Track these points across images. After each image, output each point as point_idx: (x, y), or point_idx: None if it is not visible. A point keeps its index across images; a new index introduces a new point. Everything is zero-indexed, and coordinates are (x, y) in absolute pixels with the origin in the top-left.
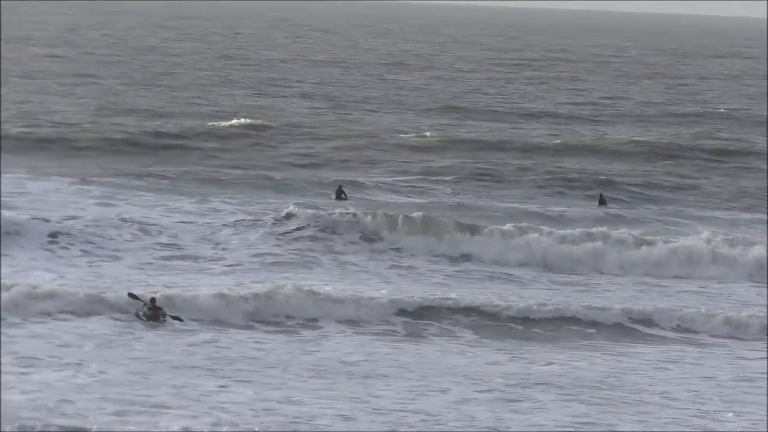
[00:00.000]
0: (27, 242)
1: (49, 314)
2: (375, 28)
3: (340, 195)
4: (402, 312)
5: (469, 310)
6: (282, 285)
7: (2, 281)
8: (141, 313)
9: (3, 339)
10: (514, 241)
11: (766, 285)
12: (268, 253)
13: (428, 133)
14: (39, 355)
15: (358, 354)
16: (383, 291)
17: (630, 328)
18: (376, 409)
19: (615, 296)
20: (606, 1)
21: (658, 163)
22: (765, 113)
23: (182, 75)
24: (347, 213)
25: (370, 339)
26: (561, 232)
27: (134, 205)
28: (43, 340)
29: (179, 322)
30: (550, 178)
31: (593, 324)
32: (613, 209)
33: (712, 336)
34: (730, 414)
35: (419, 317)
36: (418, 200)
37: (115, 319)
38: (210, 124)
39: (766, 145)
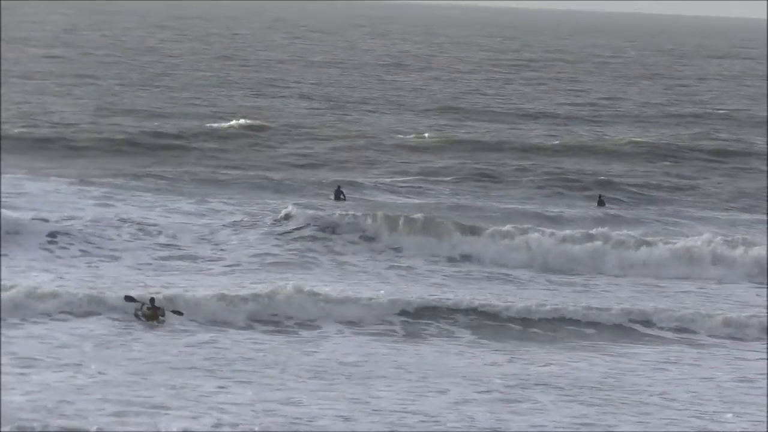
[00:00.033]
0: (26, 242)
1: (48, 315)
2: (373, 28)
3: (338, 195)
4: (401, 312)
5: (468, 311)
6: (281, 285)
7: (1, 282)
8: (140, 313)
9: (2, 339)
10: (514, 241)
11: (765, 286)
12: (267, 254)
13: (427, 135)
14: (38, 356)
15: (357, 355)
16: (381, 291)
17: (629, 328)
18: (375, 410)
19: (614, 297)
20: (605, 2)
21: (657, 163)
22: (764, 114)
23: (181, 75)
24: (346, 214)
25: (369, 339)
26: (560, 232)
27: (133, 205)
28: (42, 340)
29: (179, 316)
30: (549, 178)
31: (592, 324)
32: (612, 210)
33: (711, 337)
34: (730, 415)
35: (418, 318)
36: (416, 201)
37: (114, 319)
38: (208, 125)
39: (765, 146)
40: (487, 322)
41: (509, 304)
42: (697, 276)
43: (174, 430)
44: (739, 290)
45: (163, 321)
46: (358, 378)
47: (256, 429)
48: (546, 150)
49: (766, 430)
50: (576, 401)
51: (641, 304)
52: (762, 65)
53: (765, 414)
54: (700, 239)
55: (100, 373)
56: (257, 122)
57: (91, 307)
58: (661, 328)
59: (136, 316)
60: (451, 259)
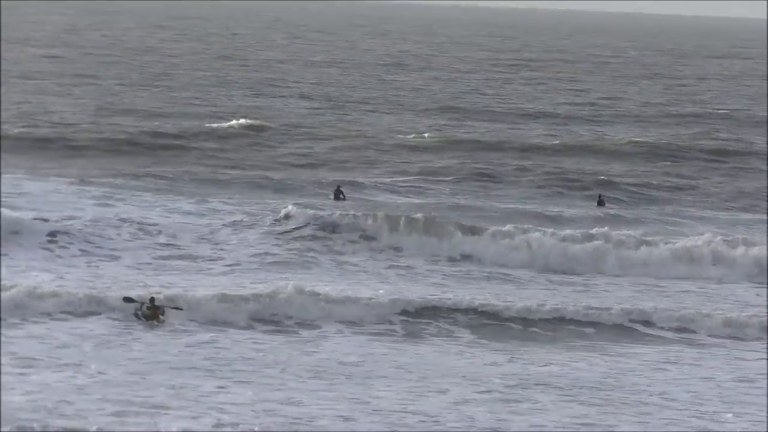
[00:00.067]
0: (26, 242)
1: (48, 314)
2: (373, 28)
3: (338, 195)
4: (401, 312)
5: (468, 311)
6: (282, 286)
7: (1, 282)
8: (140, 312)
9: (2, 339)
10: (514, 241)
11: (765, 285)
12: (267, 253)
13: (426, 134)
14: (38, 356)
15: (357, 354)
16: (380, 291)
17: (629, 328)
18: (375, 410)
19: (614, 297)
20: (605, 2)
21: (657, 163)
22: (764, 113)
23: (180, 75)
24: (346, 214)
25: (368, 339)
26: (560, 232)
27: (133, 205)
28: (42, 340)
29: (179, 311)
30: (549, 178)
31: (592, 324)
32: (612, 210)
33: (711, 337)
34: (730, 415)
35: (418, 317)
36: (416, 200)
37: (114, 319)
38: (207, 125)
39: (765, 146)
40: (487, 322)
41: (509, 303)
42: (697, 276)
43: (174, 430)
44: (739, 290)
45: (163, 320)
46: (358, 378)
47: (256, 429)
48: (546, 150)
49: (766, 430)
50: (576, 401)
51: (641, 304)
52: (762, 65)
53: (765, 414)
54: (700, 239)
55: (100, 373)
56: (257, 122)
57: (91, 307)
58: (661, 328)
59: (136, 315)
60: (451, 259)
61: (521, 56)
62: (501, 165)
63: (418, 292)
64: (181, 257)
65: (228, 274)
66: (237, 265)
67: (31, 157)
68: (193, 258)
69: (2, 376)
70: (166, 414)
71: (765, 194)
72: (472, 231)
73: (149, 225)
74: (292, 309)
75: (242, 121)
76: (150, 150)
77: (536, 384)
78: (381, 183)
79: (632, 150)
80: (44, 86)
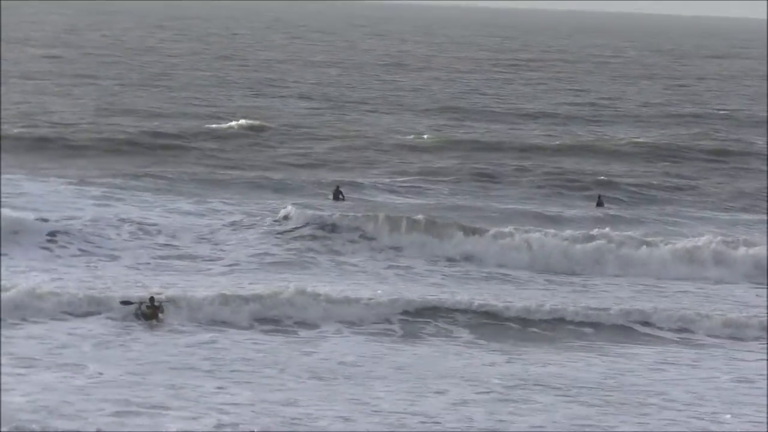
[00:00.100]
0: (26, 242)
1: (47, 315)
2: (373, 28)
3: (337, 195)
4: (400, 312)
5: (468, 311)
6: (282, 286)
7: (1, 282)
8: (140, 312)
9: (2, 340)
10: (513, 241)
11: (765, 286)
12: (266, 254)
13: (426, 135)
14: (37, 356)
15: (356, 355)
16: (379, 291)
17: (628, 329)
18: (375, 411)
19: (613, 297)
20: (605, 2)
21: (656, 163)
22: (763, 113)
23: (180, 75)
24: (345, 214)
25: (367, 340)
26: (559, 233)
27: (132, 205)
28: (41, 341)
29: (175, 307)
30: (549, 178)
31: (591, 325)
32: (611, 210)
33: (710, 337)
34: (728, 416)
35: (417, 318)
36: (416, 201)
37: (114, 319)
38: (207, 126)
39: (764, 146)
40: (486, 323)
41: (508, 304)
42: (696, 276)
43: (173, 430)
44: (739, 291)
45: (162, 320)
46: (357, 378)
47: (256, 429)
48: (545, 150)
49: (765, 431)
50: (575, 402)
51: (640, 305)
52: (761, 65)
53: (764, 415)
54: (700, 239)
55: (99, 373)
56: (257, 122)
57: (90, 308)
58: (661, 329)
59: (136, 315)
60: (450, 259)
61: (521, 56)
62: (500, 165)
63: (417, 292)
64: (180, 257)
65: (227, 274)
66: (236, 265)
67: (30, 158)
68: (192, 258)
69: (2, 376)
70: (166, 414)
71: (765, 194)
72: (472, 231)
73: (149, 225)
74: (293, 310)
75: (242, 121)
76: (149, 150)
77: (535, 384)
78: (380, 183)
79: (632, 150)
80: (44, 86)
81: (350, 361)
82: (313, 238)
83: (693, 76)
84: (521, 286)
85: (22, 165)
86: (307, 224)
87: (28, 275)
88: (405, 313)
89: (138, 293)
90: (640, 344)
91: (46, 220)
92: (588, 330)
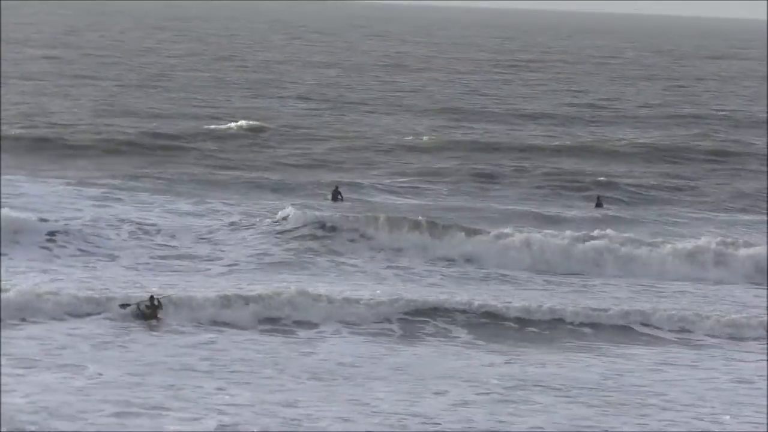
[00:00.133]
0: (25, 243)
1: (47, 315)
2: (372, 29)
3: (336, 196)
4: (399, 313)
5: (467, 311)
6: (281, 286)
7: (1, 282)
8: (139, 311)
9: (2, 340)
10: (512, 242)
11: (764, 286)
12: (265, 254)
13: (425, 136)
14: (37, 357)
15: (355, 356)
16: (378, 291)
17: (628, 329)
18: (375, 412)
19: (612, 297)
20: (605, 2)
21: (655, 164)
22: (763, 114)
23: (179, 76)
24: (344, 215)
25: (367, 340)
26: (559, 233)
27: (132, 205)
28: (41, 341)
29: (172, 295)
30: (548, 179)
31: (591, 325)
32: (611, 210)
33: (709, 338)
34: (728, 417)
35: (416, 318)
36: (415, 201)
37: (113, 320)
38: (206, 126)
39: (763, 146)
40: (485, 323)
41: (507, 304)
42: (695, 277)
43: (173, 430)
44: (738, 291)
45: (162, 319)
46: (356, 379)
47: (256, 430)
48: (545, 151)
49: (765, 431)
50: (575, 402)
51: (640, 305)
52: (761, 66)
53: (764, 415)
54: (699, 240)
55: (99, 374)
56: (256, 123)
57: (90, 308)
58: (660, 329)
59: (135, 315)
60: (449, 260)
61: (520, 57)
62: (500, 166)
63: (416, 292)
64: (179, 257)
65: (226, 274)
66: (235, 265)
67: (30, 158)
68: (191, 258)
69: (2, 377)
70: (166, 415)
71: (764, 195)
72: (471, 232)
73: (148, 225)
74: (293, 310)
75: (241, 122)
76: (149, 151)
77: (535, 385)
78: (379, 184)
79: (631, 151)
80: (43, 87)
81: (349, 361)
82: (312, 238)
83: (692, 77)
84: (520, 287)
85: (22, 166)
86: (305, 225)
87: (28, 276)
88: (404, 313)
89: (137, 293)
90: (639, 345)
91: (45, 221)
92: (587, 330)
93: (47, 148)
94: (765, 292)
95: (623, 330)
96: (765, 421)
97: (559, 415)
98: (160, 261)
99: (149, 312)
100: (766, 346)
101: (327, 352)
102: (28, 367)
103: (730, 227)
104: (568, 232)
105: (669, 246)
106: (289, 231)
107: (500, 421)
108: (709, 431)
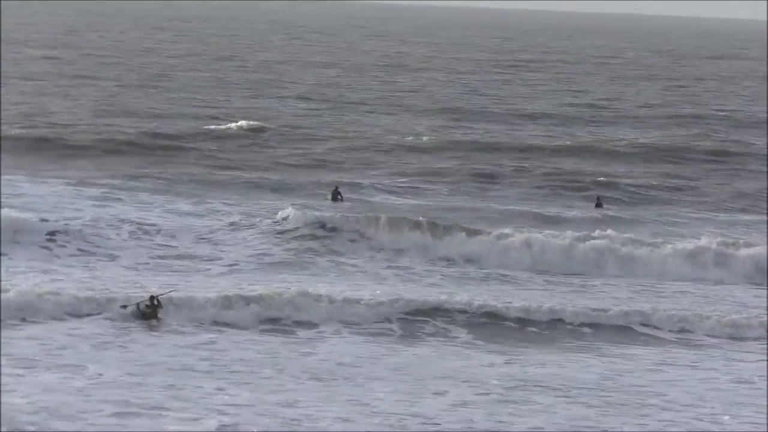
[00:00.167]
0: (25, 243)
1: (47, 315)
2: (372, 29)
3: (336, 196)
4: (399, 313)
5: (466, 312)
6: (280, 287)
7: (1, 282)
8: (139, 311)
9: (2, 341)
10: (512, 242)
11: (764, 287)
12: (265, 254)
13: (425, 137)
14: (37, 357)
15: (355, 356)
16: (377, 291)
17: (627, 329)
18: (375, 412)
19: (612, 298)
20: (605, 2)
21: (655, 164)
22: (763, 114)
23: (179, 76)
24: (344, 214)
25: (366, 340)
26: (558, 233)
27: (132, 205)
28: (41, 341)
29: (172, 292)
30: (548, 179)
31: (590, 325)
32: (611, 211)
33: (710, 338)
34: (727, 417)
35: (416, 318)
36: (414, 201)
37: (113, 320)
38: (206, 126)
39: (764, 146)
40: (485, 323)
41: (507, 304)
42: (695, 277)
43: (173, 430)
44: (738, 291)
45: (162, 319)
46: (356, 379)
47: (256, 430)
48: (545, 151)
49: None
50: (575, 403)
51: (639, 305)
52: (761, 66)
53: (764, 416)
54: (699, 240)
55: (99, 374)
56: (256, 123)
57: (90, 308)
58: (660, 329)
59: (135, 315)
60: (448, 260)
61: (520, 57)
62: (499, 166)
63: (416, 292)
64: (179, 257)
65: (226, 274)
66: (235, 265)
67: (29, 158)
68: (191, 258)
69: (2, 377)
70: (166, 415)
71: (764, 195)
72: (471, 232)
73: (148, 225)
74: (290, 310)
75: (242, 122)
76: (148, 151)
77: (535, 385)
78: (379, 184)
79: (631, 151)
80: (43, 87)
81: (349, 361)
82: (312, 238)
83: (692, 77)
84: (520, 287)
85: (22, 166)
86: (305, 225)
87: (28, 276)
88: (404, 313)
89: (137, 293)
90: (639, 345)
91: (45, 221)
92: (587, 330)
93: (47, 148)
94: (765, 292)
95: (623, 330)
96: (765, 421)
97: (558, 416)
98: (160, 261)
99: (149, 312)
100: (766, 346)
101: (327, 352)
102: (28, 368)
103: (730, 227)
104: (568, 233)
105: (669, 246)
106: (289, 231)
107: (500, 422)
108: (709, 431)
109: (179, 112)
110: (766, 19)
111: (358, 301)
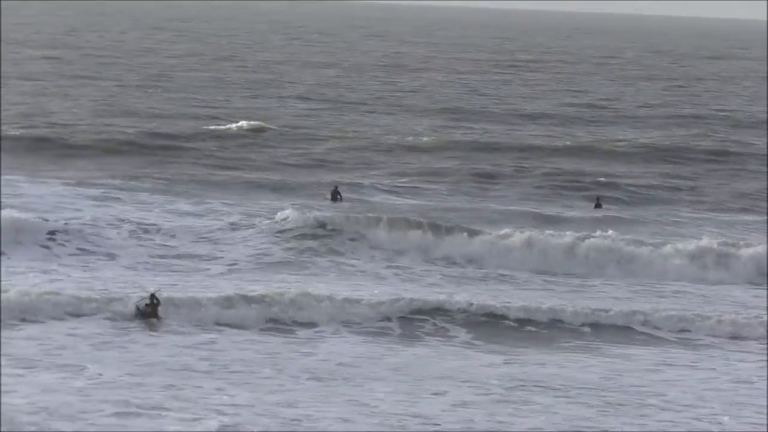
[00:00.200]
0: (25, 243)
1: (46, 315)
2: (372, 29)
3: (335, 196)
4: (398, 313)
5: (466, 312)
6: (279, 286)
7: (1, 282)
8: (139, 310)
9: (2, 341)
10: (511, 242)
11: (764, 287)
12: (265, 254)
13: (425, 137)
14: (37, 357)
15: (354, 356)
16: (376, 291)
17: (627, 329)
18: (374, 412)
19: (612, 298)
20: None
21: (655, 164)
22: (762, 114)
23: (179, 76)
24: (344, 214)
25: (366, 340)
26: (558, 233)
27: (131, 205)
28: (40, 341)
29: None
30: (548, 179)
31: (590, 325)
32: (610, 211)
33: (709, 338)
34: (726, 418)
35: (416, 318)
36: (414, 201)
37: (113, 320)
38: (206, 126)
39: (763, 146)
40: (484, 323)
41: (507, 304)
42: (695, 277)
43: (173, 431)
44: (738, 291)
45: (162, 318)
46: (356, 380)
47: (256, 430)
48: (544, 151)
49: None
50: (575, 403)
51: (639, 305)
52: (761, 66)
53: (764, 416)
54: (699, 240)
55: (99, 374)
56: (255, 123)
57: (89, 308)
58: (660, 330)
59: (136, 315)
60: (448, 260)
61: (520, 57)
62: (499, 166)
63: (416, 292)
64: (179, 257)
65: (226, 274)
66: (235, 265)
67: (29, 158)
68: (191, 258)
69: (1, 377)
70: (166, 416)
71: (764, 195)
72: (472, 232)
73: (148, 225)
74: (293, 310)
75: (242, 123)
76: (148, 151)
77: (534, 386)
78: (379, 184)
79: (631, 151)
80: (43, 87)
81: (349, 361)
82: (312, 238)
83: (692, 77)
84: (520, 287)
85: (21, 166)
86: (305, 225)
87: (27, 276)
88: (404, 314)
89: (137, 293)
90: (639, 345)
91: (45, 221)
92: (587, 330)
93: (47, 148)
94: (765, 292)
95: (623, 330)
96: (765, 421)
97: (558, 416)
98: (160, 261)
99: (149, 310)
100: (766, 346)
101: (327, 352)
102: (28, 368)
103: (730, 227)
104: (568, 233)
105: (669, 246)
106: (289, 231)
107: (500, 422)
108: (708, 431)
109: (179, 112)
110: (766, 19)
111: (357, 301)
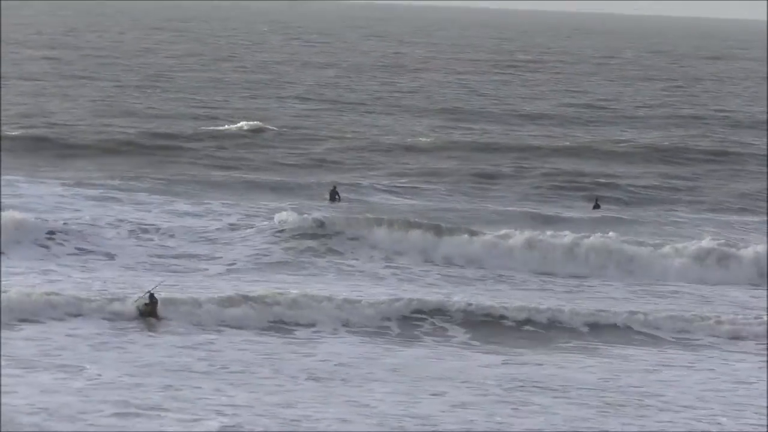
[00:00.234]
0: (24, 243)
1: (46, 316)
2: (371, 29)
3: (333, 196)
4: (397, 313)
5: (465, 312)
6: (278, 287)
7: (0, 283)
8: (139, 310)
9: (1, 341)
10: (510, 243)
11: (764, 287)
12: (264, 254)
13: (424, 138)
14: (36, 358)
15: (353, 356)
16: (375, 291)
17: (626, 330)
18: (373, 413)
19: (610, 298)
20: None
21: (655, 164)
22: (762, 114)
23: (178, 77)
24: (343, 215)
25: (365, 341)
26: (557, 234)
27: (130, 205)
28: (39, 342)
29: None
30: (547, 180)
31: (589, 326)
32: (610, 212)
33: (708, 339)
34: (725, 418)
35: (414, 319)
36: (413, 202)
37: (112, 321)
38: (204, 128)
39: (763, 147)
40: (483, 324)
41: (505, 305)
42: (694, 277)
43: (172, 431)
44: (737, 292)
45: (162, 317)
46: (355, 380)
47: (255, 430)
48: (544, 151)
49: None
50: (573, 403)
51: (638, 306)
52: (760, 66)
53: (763, 416)
54: (699, 241)
55: (98, 374)
56: (254, 123)
57: (89, 309)
58: (658, 330)
59: (135, 314)
60: (447, 260)
61: (519, 58)
62: (498, 166)
63: (414, 293)
64: (178, 257)
65: (225, 274)
66: (233, 265)
67: (29, 159)
68: (190, 258)
69: (1, 378)
70: (165, 416)
71: (763, 195)
72: (471, 233)
73: (147, 225)
74: (292, 310)
75: (241, 123)
76: (147, 151)
77: (533, 386)
78: (378, 184)
79: (630, 151)
80: (42, 87)
81: (348, 362)
82: (311, 238)
83: (691, 78)
84: (519, 287)
85: (21, 166)
86: (304, 225)
87: (27, 276)
88: (402, 314)
89: (137, 293)
90: (638, 345)
91: (44, 221)
92: (586, 331)
93: (46, 148)
94: (764, 292)
95: (622, 331)
96: (764, 422)
97: (557, 416)
98: (159, 261)
99: (148, 309)
100: (765, 347)
101: (325, 352)
102: (27, 368)
103: (730, 227)
104: (567, 233)
105: (668, 247)
106: (288, 231)
107: (499, 422)
108: None
109: (178, 112)
110: (766, 19)
111: (356, 302)
